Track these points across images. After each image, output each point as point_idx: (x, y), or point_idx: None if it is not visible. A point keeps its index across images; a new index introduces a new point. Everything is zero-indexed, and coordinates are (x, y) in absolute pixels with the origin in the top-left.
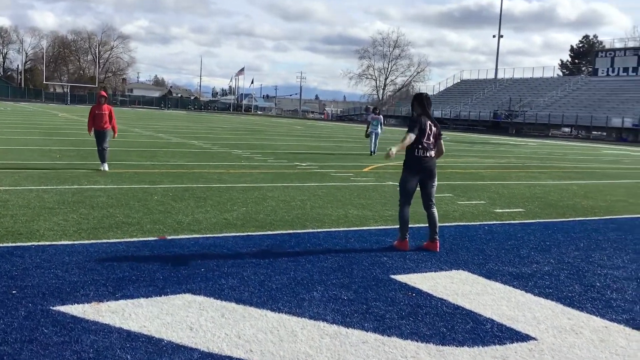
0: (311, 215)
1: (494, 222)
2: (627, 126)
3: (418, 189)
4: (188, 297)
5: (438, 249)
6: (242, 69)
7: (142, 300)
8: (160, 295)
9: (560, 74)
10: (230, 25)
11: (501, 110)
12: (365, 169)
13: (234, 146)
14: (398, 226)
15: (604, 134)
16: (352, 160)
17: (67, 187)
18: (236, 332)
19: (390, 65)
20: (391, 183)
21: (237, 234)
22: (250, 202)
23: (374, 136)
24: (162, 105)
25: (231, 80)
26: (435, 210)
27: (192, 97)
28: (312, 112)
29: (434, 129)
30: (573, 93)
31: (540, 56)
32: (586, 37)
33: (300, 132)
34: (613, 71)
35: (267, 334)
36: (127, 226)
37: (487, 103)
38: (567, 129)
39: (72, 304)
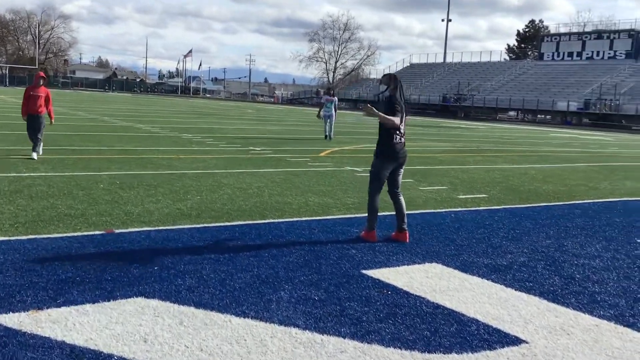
0: (270, 203)
1: (460, 208)
2: (572, 110)
3: None
4: (141, 301)
5: (407, 239)
6: (190, 51)
7: (88, 306)
8: (109, 300)
9: (507, 58)
10: (176, 5)
11: (450, 94)
12: (322, 154)
13: (184, 130)
14: (365, 215)
15: (549, 117)
16: (307, 145)
17: (2, 175)
18: (197, 343)
19: (340, 49)
20: (349, 168)
21: (193, 226)
22: (204, 190)
23: (328, 119)
24: (107, 87)
25: (178, 63)
26: (402, 198)
27: (138, 80)
28: (262, 96)
29: (404, 114)
30: (520, 77)
31: (485, 41)
32: (532, 21)
33: (251, 116)
34: (558, 55)
35: (232, 344)
36: (70, 219)
37: (437, 87)
38: (513, 113)
39: (6, 313)
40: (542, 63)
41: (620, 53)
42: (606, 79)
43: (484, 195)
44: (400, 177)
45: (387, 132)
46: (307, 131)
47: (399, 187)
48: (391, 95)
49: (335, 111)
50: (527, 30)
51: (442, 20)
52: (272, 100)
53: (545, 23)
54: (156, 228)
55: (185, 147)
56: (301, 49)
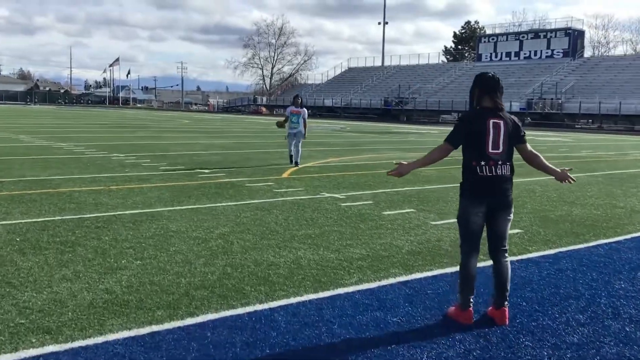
0: (246, 267)
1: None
2: (515, 110)
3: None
4: None
5: (507, 320)
6: (117, 60)
7: None
8: None
9: (445, 60)
10: (99, 13)
11: (391, 98)
12: (285, 174)
13: (114, 148)
14: (454, 283)
15: None
16: (262, 162)
17: None
18: None
19: (276, 54)
20: (327, 195)
21: (132, 333)
22: (147, 248)
23: (294, 138)
24: (28, 100)
25: (105, 72)
26: (507, 260)
27: (62, 91)
28: (196, 104)
29: (503, 128)
30: (459, 78)
31: (412, 44)
32: (468, 22)
33: (189, 127)
34: (496, 56)
35: None
36: None
37: (377, 91)
38: (456, 114)
39: None
40: (481, 64)
41: (558, 52)
42: (546, 78)
43: (519, 231)
44: (505, 227)
45: (465, 160)
46: (258, 144)
47: (504, 242)
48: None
49: (305, 127)
50: (463, 31)
51: (379, 23)
52: (207, 108)
53: (480, 24)
54: (69, 346)
55: (117, 172)
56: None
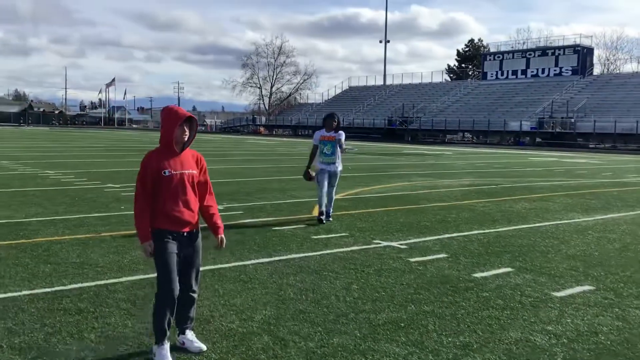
0: None
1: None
2: (525, 129)
3: None
4: None
5: None
6: (113, 80)
7: None
8: None
9: (448, 79)
10: (94, 35)
11: (395, 117)
12: (315, 211)
13: (107, 177)
14: None
15: (497, 138)
16: (281, 194)
17: None
18: None
19: (275, 73)
20: (384, 244)
21: None
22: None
23: (327, 177)
24: (22, 121)
25: (100, 93)
26: None
27: (57, 111)
28: None
29: None
30: (465, 97)
31: (406, 64)
32: (471, 41)
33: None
34: (502, 74)
35: None
36: None
37: (379, 110)
38: (462, 134)
39: None
40: (486, 82)
41: (567, 69)
42: (555, 96)
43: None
44: None
45: None
46: (270, 170)
47: None
48: None
49: (339, 157)
50: (467, 50)
51: (380, 41)
52: (204, 128)
53: (484, 42)
54: None
55: (111, 210)
56: (232, 76)
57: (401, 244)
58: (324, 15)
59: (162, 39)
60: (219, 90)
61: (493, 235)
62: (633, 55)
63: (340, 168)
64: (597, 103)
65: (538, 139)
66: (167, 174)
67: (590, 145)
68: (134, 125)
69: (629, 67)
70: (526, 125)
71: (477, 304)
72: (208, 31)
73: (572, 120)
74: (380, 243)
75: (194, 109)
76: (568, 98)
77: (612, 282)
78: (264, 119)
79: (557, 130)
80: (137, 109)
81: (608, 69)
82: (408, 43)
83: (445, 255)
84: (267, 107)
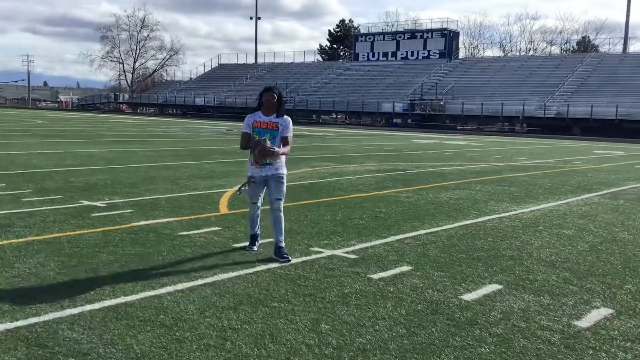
0: None
1: None
2: (398, 111)
3: None
4: None
5: None
6: None
7: None
8: None
9: (320, 59)
10: None
11: None
12: (222, 206)
13: None
14: None
15: (370, 119)
16: (174, 185)
17: None
18: None
19: (138, 47)
20: (328, 253)
21: None
22: None
23: (262, 188)
24: None
25: None
26: None
27: None
28: (44, 101)
29: None
30: (338, 78)
31: (271, 43)
32: (342, 21)
33: (46, 130)
34: (373, 56)
35: None
36: None
37: (252, 89)
38: (336, 115)
39: None
40: (358, 64)
41: (434, 52)
42: (425, 78)
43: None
44: None
45: None
46: (150, 154)
47: None
48: None
49: (284, 152)
50: (337, 30)
51: (251, 18)
52: (58, 106)
53: (355, 23)
54: None
55: None
56: (89, 49)
57: (347, 253)
58: None
59: (6, 7)
60: (73, 64)
61: (443, 236)
62: (494, 41)
63: (283, 171)
64: (464, 86)
65: (410, 121)
66: None
67: (458, 127)
68: None
69: (490, 53)
70: (399, 107)
71: (499, 347)
72: (58, 2)
73: (442, 102)
74: (321, 252)
75: (45, 84)
76: (436, 80)
77: (625, 300)
78: (126, 96)
79: (429, 112)
80: None
81: (471, 54)
82: (272, 22)
83: (409, 268)
84: (130, 84)
